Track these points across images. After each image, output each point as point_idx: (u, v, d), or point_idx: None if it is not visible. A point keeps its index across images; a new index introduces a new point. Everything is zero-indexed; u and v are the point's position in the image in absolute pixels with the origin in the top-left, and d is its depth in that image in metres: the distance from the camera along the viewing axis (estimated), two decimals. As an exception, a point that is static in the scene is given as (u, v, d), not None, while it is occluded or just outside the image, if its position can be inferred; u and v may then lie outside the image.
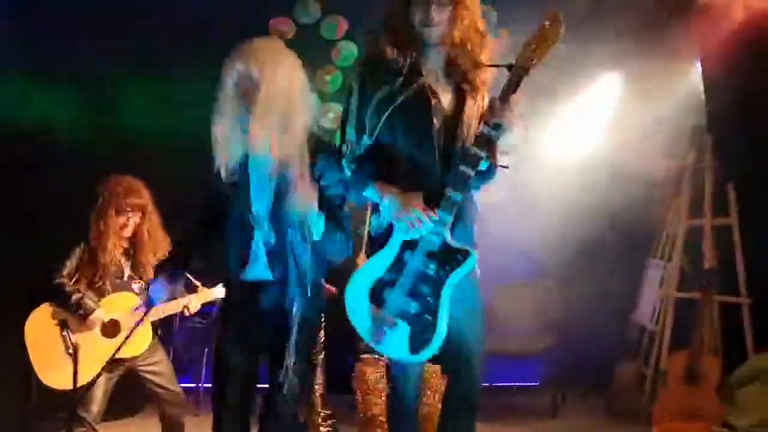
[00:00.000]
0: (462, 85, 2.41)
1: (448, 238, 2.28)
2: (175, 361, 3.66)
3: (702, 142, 4.78)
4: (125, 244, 3.49)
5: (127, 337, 2.86)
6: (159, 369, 3.45)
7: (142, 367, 3.43)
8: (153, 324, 3.45)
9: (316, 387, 3.87)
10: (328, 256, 2.50)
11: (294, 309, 2.42)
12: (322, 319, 3.77)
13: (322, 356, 3.87)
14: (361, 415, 3.88)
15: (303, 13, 5.25)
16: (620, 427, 4.47)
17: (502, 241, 4.44)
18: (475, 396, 2.47)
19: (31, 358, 3.34)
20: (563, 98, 5.11)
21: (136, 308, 3.38)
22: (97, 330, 3.35)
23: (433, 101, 2.36)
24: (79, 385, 3.23)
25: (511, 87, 2.24)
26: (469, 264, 2.27)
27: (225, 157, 2.42)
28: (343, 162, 2.42)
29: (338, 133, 2.55)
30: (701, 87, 4.81)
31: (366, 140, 2.38)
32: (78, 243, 3.42)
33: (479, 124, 2.35)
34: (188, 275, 3.56)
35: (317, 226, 2.40)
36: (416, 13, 2.33)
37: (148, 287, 3.33)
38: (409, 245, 2.31)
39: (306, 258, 2.43)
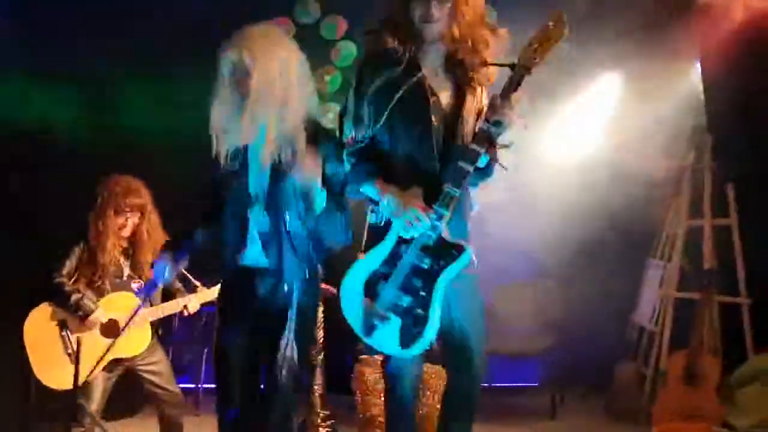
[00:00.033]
0: (461, 82, 2.41)
1: (444, 233, 2.28)
2: (174, 361, 3.67)
3: (702, 142, 4.78)
4: (124, 244, 3.49)
5: (130, 319, 2.90)
6: (158, 369, 3.45)
7: (141, 367, 3.43)
8: (153, 324, 3.45)
9: (316, 387, 3.88)
10: (327, 242, 2.50)
11: (291, 295, 2.44)
12: (322, 320, 3.79)
13: (321, 357, 3.87)
14: (361, 415, 3.89)
15: (303, 13, 5.25)
16: (620, 428, 4.47)
17: (502, 241, 4.45)
18: (475, 396, 2.47)
19: (30, 358, 3.35)
20: (563, 98, 5.10)
21: (137, 292, 3.36)
22: (97, 330, 3.35)
23: (432, 99, 2.36)
24: (80, 383, 3.24)
25: (513, 85, 2.25)
26: (464, 259, 2.27)
27: (223, 145, 2.44)
28: (344, 154, 2.43)
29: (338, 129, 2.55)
30: (701, 87, 4.81)
31: (364, 135, 2.39)
32: (77, 243, 3.42)
33: (479, 120, 2.36)
34: (188, 275, 3.58)
35: (321, 198, 2.42)
36: (416, 9, 2.34)
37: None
38: (405, 239, 2.32)
39: (304, 244, 2.46)
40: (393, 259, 2.32)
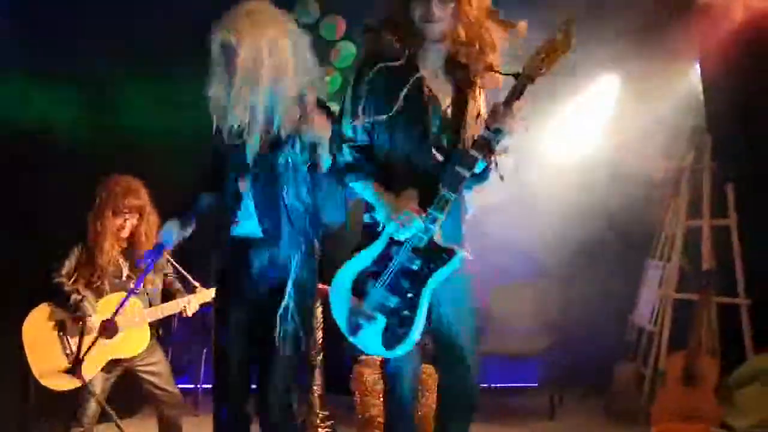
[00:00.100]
0: (462, 84, 2.40)
1: (436, 237, 2.28)
2: (173, 362, 3.67)
3: (701, 143, 4.78)
4: (123, 245, 3.48)
5: (132, 293, 2.95)
6: (157, 369, 3.45)
7: (140, 368, 3.43)
8: (153, 324, 3.45)
9: (315, 388, 3.88)
10: (324, 218, 2.54)
11: (288, 268, 2.48)
12: (321, 320, 3.80)
13: (320, 357, 3.88)
14: (360, 416, 3.89)
15: (302, 13, 5.24)
16: (619, 428, 4.47)
17: (502, 241, 4.46)
18: (473, 396, 2.47)
19: (29, 358, 3.35)
20: (563, 98, 5.11)
21: (141, 262, 3.27)
22: (95, 331, 3.35)
23: (431, 101, 2.35)
24: (78, 385, 3.24)
25: (516, 93, 2.23)
26: (454, 264, 2.26)
27: (221, 121, 2.49)
28: (344, 148, 2.41)
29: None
30: (700, 87, 4.81)
31: (361, 134, 2.39)
32: (76, 243, 3.42)
33: (477, 120, 2.36)
34: (187, 275, 3.59)
35: (328, 159, 2.44)
36: (417, 8, 2.32)
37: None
38: (397, 240, 2.31)
39: (301, 218, 2.50)
40: (384, 259, 2.31)
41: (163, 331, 3.59)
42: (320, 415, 3.87)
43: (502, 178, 2.39)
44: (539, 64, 2.20)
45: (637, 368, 4.81)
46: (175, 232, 2.69)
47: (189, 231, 2.75)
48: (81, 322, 3.29)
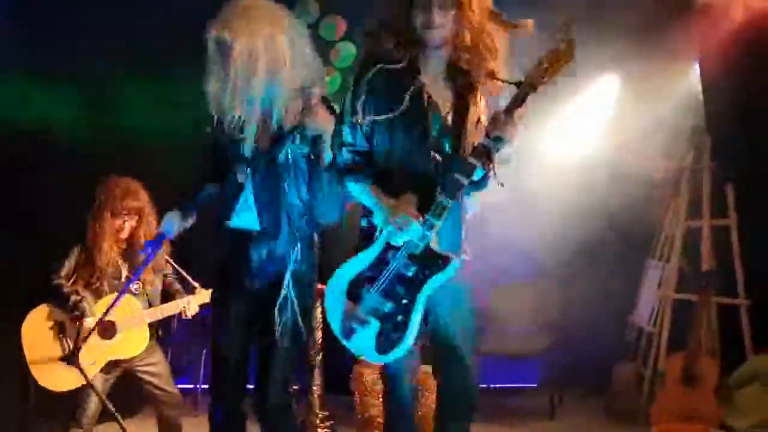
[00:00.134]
0: (463, 90, 2.39)
1: (433, 243, 2.27)
2: (173, 362, 3.67)
3: (701, 143, 4.78)
4: (122, 246, 3.49)
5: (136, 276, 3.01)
6: (156, 370, 3.45)
7: (139, 368, 3.43)
8: (152, 325, 3.45)
9: (314, 388, 3.89)
10: (319, 217, 2.56)
11: (286, 261, 2.50)
12: (320, 320, 3.79)
13: (320, 357, 3.88)
14: (359, 416, 3.89)
15: (302, 13, 5.24)
16: (619, 428, 4.47)
17: (502, 241, 4.46)
18: (473, 396, 2.47)
19: (28, 359, 3.35)
20: (563, 98, 5.10)
21: (142, 251, 3.24)
22: (94, 331, 3.35)
23: (431, 108, 2.34)
24: (78, 385, 3.24)
25: (517, 102, 2.22)
26: (449, 271, 2.26)
27: (221, 115, 2.51)
28: (344, 150, 2.40)
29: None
30: (700, 87, 4.81)
31: (361, 140, 2.38)
32: (75, 244, 3.42)
33: (478, 125, 2.35)
34: (187, 276, 3.59)
35: (328, 154, 2.45)
36: (418, 15, 2.31)
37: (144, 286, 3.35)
38: (393, 245, 2.31)
39: (298, 213, 2.52)
40: (380, 263, 2.31)
41: (162, 331, 3.60)
42: (320, 415, 3.88)
43: (502, 185, 2.38)
44: (542, 74, 2.19)
45: (636, 369, 4.80)
46: (176, 223, 2.72)
47: (190, 222, 2.78)
48: (79, 323, 3.30)
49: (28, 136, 4.66)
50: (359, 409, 3.90)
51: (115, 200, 3.42)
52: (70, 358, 3.03)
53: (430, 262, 2.26)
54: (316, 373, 3.89)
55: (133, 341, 3.38)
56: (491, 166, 2.31)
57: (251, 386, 2.61)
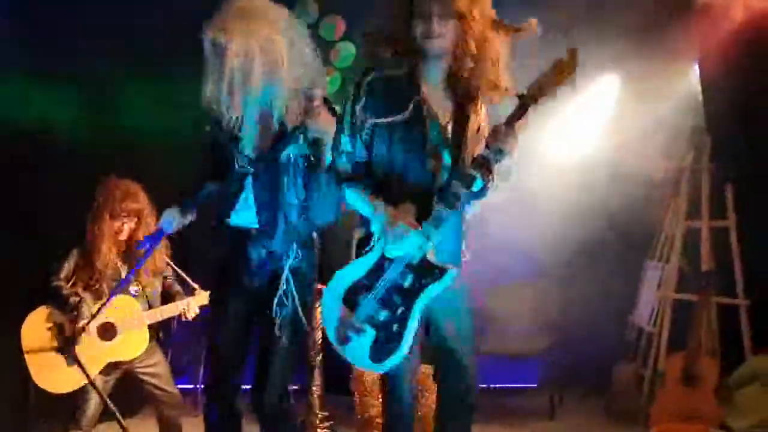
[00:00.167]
0: (463, 100, 2.39)
1: (429, 254, 2.26)
2: (173, 363, 3.67)
3: (700, 143, 4.78)
4: (121, 248, 3.49)
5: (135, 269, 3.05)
6: (156, 371, 3.45)
7: (139, 370, 3.43)
8: (152, 327, 3.45)
9: (314, 388, 3.89)
10: (315, 216, 2.56)
11: (283, 260, 2.52)
12: (320, 321, 3.79)
13: (319, 357, 3.88)
14: (359, 416, 3.90)
15: (302, 13, 5.23)
16: (619, 428, 4.47)
17: (502, 241, 4.45)
18: (472, 396, 2.47)
19: (27, 361, 3.35)
20: (563, 98, 5.09)
21: (140, 246, 3.25)
22: (94, 333, 3.35)
23: (430, 118, 2.33)
24: (77, 387, 3.24)
25: (518, 115, 2.20)
26: (445, 282, 2.25)
27: (218, 113, 2.50)
28: (343, 157, 2.40)
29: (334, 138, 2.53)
30: (700, 87, 4.81)
31: (360, 149, 2.38)
32: (75, 245, 3.42)
33: (479, 138, 2.34)
34: (186, 278, 3.58)
35: (328, 157, 2.46)
36: (418, 25, 2.30)
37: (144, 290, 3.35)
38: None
39: (295, 213, 2.53)
40: (376, 271, 2.30)
41: (163, 333, 3.59)
42: (319, 416, 3.88)
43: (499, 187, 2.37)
44: (544, 87, 2.17)
45: (636, 369, 4.80)
46: (175, 219, 2.74)
47: (189, 219, 2.79)
48: (76, 321, 3.30)
49: (28, 136, 4.66)
50: (359, 409, 3.90)
51: (114, 202, 3.41)
52: (65, 348, 3.05)
53: (427, 272, 2.26)
54: (316, 373, 3.89)
55: (132, 343, 3.38)
56: (491, 177, 2.30)
57: (250, 386, 2.61)
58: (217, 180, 2.69)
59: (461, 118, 2.37)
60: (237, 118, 2.50)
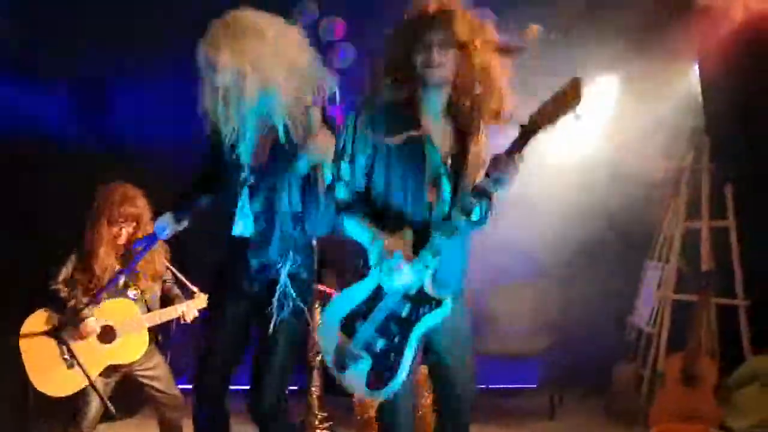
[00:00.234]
0: (463, 128, 2.37)
1: (426, 284, 2.25)
2: (172, 364, 3.68)
3: (700, 143, 4.77)
4: (120, 252, 3.48)
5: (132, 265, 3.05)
6: (156, 373, 3.46)
7: (139, 372, 3.44)
8: (152, 330, 3.45)
9: (313, 389, 3.89)
10: (310, 229, 2.57)
11: (281, 269, 2.52)
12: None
13: (319, 358, 3.88)
14: (358, 417, 3.89)
15: (301, 14, 5.24)
16: (618, 428, 4.47)
17: (502, 241, 4.44)
18: (471, 398, 2.47)
19: (26, 364, 3.35)
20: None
21: (136, 245, 3.26)
22: (93, 336, 3.35)
23: (430, 147, 2.31)
24: (76, 390, 3.24)
25: (519, 145, 2.17)
26: (442, 312, 2.24)
27: (216, 126, 2.50)
28: (342, 186, 2.39)
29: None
30: (700, 88, 4.81)
31: (360, 178, 2.36)
32: (75, 246, 3.42)
33: (480, 165, 2.33)
34: (185, 281, 3.58)
35: (328, 176, 2.45)
36: (418, 54, 2.28)
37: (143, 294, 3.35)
38: None
39: (290, 224, 2.53)
40: (374, 299, 2.29)
41: (162, 336, 3.59)
42: (319, 416, 3.88)
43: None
44: (546, 119, 2.14)
45: (636, 369, 4.80)
46: (168, 225, 2.74)
47: (183, 225, 2.79)
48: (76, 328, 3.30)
49: (28, 136, 4.66)
50: (358, 410, 3.90)
51: (112, 207, 3.40)
52: (60, 333, 3.06)
53: (424, 302, 2.25)
54: (315, 374, 3.89)
55: (132, 346, 3.38)
56: (490, 205, 2.30)
57: (247, 387, 2.61)
58: (212, 187, 2.69)
59: (461, 147, 2.35)
60: (234, 128, 2.49)
